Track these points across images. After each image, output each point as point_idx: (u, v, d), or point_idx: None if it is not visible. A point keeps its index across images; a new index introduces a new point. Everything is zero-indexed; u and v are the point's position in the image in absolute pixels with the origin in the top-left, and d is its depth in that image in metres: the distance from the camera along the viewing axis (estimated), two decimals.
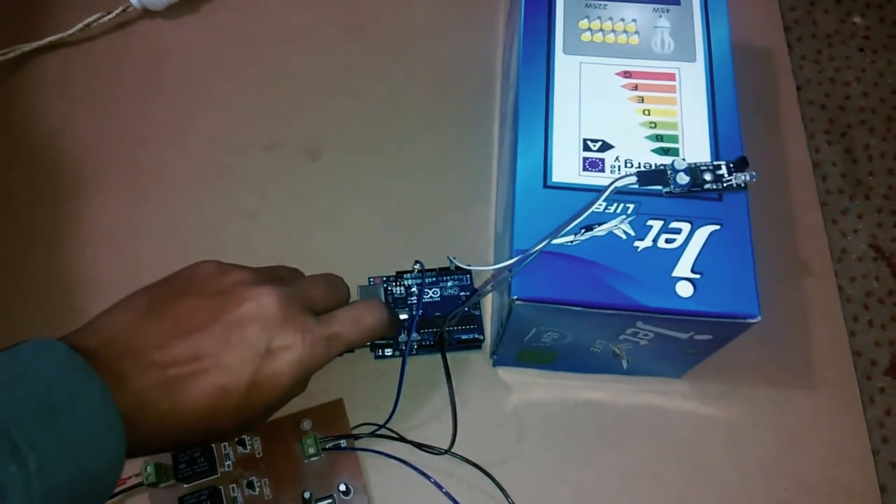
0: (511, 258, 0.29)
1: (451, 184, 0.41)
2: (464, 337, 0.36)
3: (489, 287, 0.31)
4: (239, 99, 0.43)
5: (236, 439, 0.34)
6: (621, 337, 0.32)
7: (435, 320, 0.36)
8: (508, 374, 0.37)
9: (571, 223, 0.28)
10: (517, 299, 0.28)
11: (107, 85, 0.43)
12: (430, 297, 0.37)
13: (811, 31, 0.48)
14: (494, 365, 0.37)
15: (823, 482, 0.36)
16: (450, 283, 0.37)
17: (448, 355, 0.36)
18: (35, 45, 0.43)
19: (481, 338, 0.36)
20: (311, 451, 0.33)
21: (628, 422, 0.36)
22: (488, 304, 0.38)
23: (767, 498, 0.35)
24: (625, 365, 0.35)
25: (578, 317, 0.29)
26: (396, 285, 0.37)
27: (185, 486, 0.33)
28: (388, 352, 0.36)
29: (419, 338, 0.36)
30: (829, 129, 0.45)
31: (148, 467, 0.33)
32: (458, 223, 0.40)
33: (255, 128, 0.42)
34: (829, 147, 0.44)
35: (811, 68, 0.47)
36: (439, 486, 0.33)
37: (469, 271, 0.37)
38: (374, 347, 0.36)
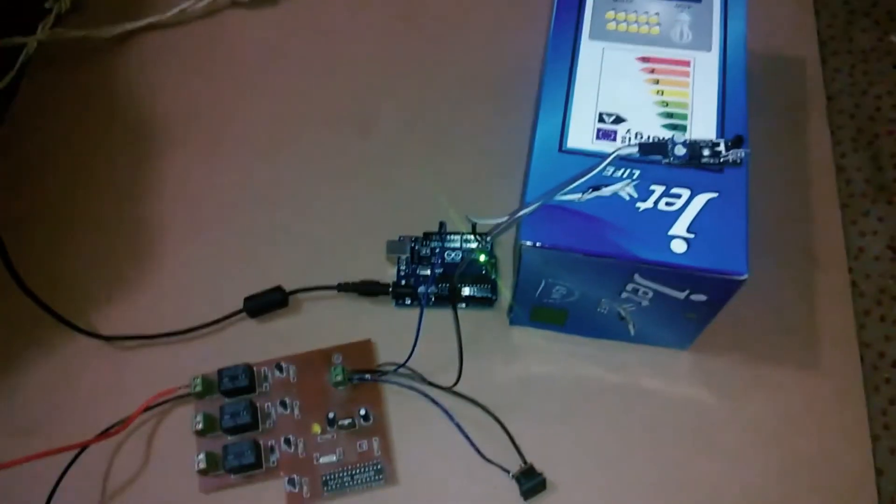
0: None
1: (485, 164, 0.45)
2: (476, 295, 0.40)
3: (496, 232, 0.34)
4: (303, 80, 0.48)
5: (274, 365, 0.39)
6: (623, 295, 0.34)
7: (452, 277, 0.40)
8: (522, 334, 0.40)
9: (574, 182, 0.32)
10: (525, 243, 0.32)
11: (193, 62, 0.49)
12: (452, 258, 0.41)
13: (847, 46, 0.50)
14: (511, 324, 0.40)
15: (820, 461, 0.37)
16: (471, 247, 0.41)
17: (468, 313, 0.40)
18: (137, 24, 0.50)
19: (493, 297, 0.40)
20: (339, 379, 0.37)
21: (631, 390, 0.39)
22: (507, 270, 0.41)
23: (762, 470, 0.37)
24: (632, 330, 0.38)
25: (580, 266, 0.32)
26: (423, 245, 0.41)
27: (226, 399, 0.38)
28: (408, 301, 0.40)
29: (437, 290, 0.40)
30: (857, 137, 0.47)
31: (197, 379, 0.37)
32: (490, 197, 0.43)
33: (314, 105, 0.47)
34: (855, 154, 0.46)
35: (844, 80, 0.49)
36: (450, 417, 0.36)
37: (488, 234, 0.40)
38: (395, 296, 0.40)
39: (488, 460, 0.36)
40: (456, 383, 0.37)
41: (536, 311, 0.38)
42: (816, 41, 0.49)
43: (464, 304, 0.40)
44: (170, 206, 0.44)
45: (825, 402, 0.38)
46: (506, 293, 0.41)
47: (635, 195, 0.32)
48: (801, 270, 0.42)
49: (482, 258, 0.41)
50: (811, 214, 0.43)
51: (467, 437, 0.36)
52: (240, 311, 0.40)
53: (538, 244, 0.32)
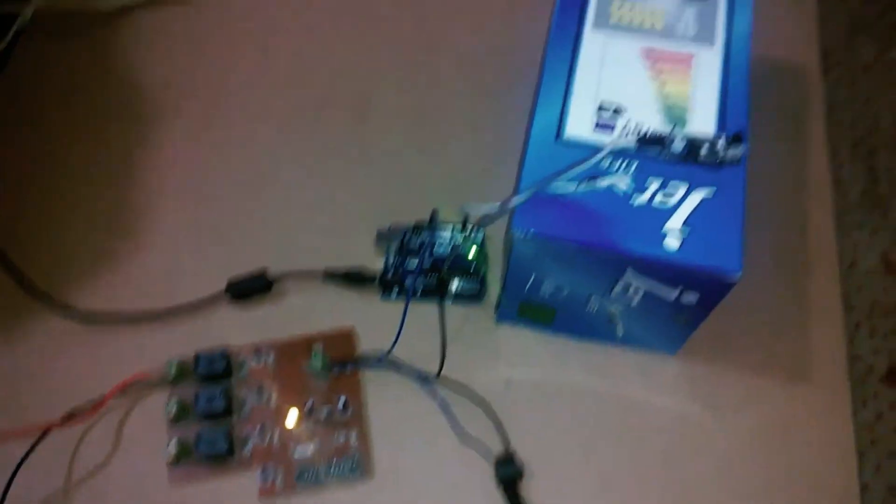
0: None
1: (482, 154, 0.44)
2: (465, 288, 0.39)
3: (487, 220, 0.33)
4: (300, 62, 0.47)
5: (253, 351, 0.37)
6: (614, 293, 0.34)
7: (440, 270, 0.39)
8: (508, 332, 0.39)
9: (570, 171, 0.31)
10: (517, 231, 0.31)
11: (188, 40, 0.48)
12: (442, 251, 0.40)
13: (849, 58, 0.49)
14: (498, 320, 0.39)
15: (803, 474, 0.36)
16: (461, 238, 0.40)
17: (455, 308, 0.39)
18: None
19: (481, 291, 0.39)
20: (319, 367, 0.36)
21: (615, 395, 0.38)
22: (498, 266, 0.40)
23: (744, 482, 0.36)
24: (620, 332, 0.37)
25: (572, 258, 0.31)
26: (413, 236, 0.40)
27: (202, 384, 0.36)
28: (395, 293, 0.39)
29: (424, 282, 0.39)
30: (854, 149, 0.46)
31: (172, 363, 0.36)
32: (486, 187, 0.42)
33: (311, 88, 0.46)
34: (852, 165, 0.45)
35: (845, 92, 0.48)
36: (433, 397, 0.35)
37: (479, 224, 0.39)
38: (382, 287, 0.39)
39: (469, 437, 0.35)
40: (438, 373, 0.36)
41: (524, 307, 0.37)
42: (818, 51, 0.49)
43: (451, 300, 0.39)
44: (157, 183, 0.43)
45: (812, 414, 0.38)
46: (495, 289, 0.40)
47: (631, 188, 0.32)
48: (793, 280, 0.41)
49: (472, 252, 0.40)
50: (805, 224, 0.43)
51: (449, 415, 0.35)
52: (222, 294, 0.39)
53: (531, 232, 0.31)
